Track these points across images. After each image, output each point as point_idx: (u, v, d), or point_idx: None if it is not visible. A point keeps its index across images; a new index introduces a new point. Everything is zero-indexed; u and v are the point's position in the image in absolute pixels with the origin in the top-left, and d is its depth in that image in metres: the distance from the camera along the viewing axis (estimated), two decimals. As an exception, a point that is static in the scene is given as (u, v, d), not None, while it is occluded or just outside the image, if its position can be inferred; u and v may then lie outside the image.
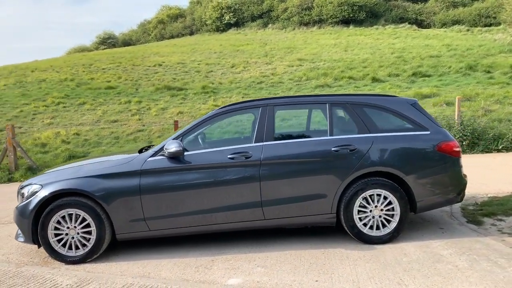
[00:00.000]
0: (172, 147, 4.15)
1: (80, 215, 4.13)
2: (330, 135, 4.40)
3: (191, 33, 43.54)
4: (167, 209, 4.19)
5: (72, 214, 4.13)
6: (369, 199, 4.27)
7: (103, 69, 23.24)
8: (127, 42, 49.40)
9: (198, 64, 23.17)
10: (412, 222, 4.97)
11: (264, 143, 4.31)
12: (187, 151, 4.31)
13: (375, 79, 17.17)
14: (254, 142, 4.33)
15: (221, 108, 4.62)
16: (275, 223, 4.33)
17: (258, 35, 34.40)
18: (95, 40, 49.52)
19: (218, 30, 39.51)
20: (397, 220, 4.29)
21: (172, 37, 44.74)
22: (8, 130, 9.98)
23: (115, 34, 50.76)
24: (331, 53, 23.94)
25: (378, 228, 4.30)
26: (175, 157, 4.21)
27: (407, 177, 4.27)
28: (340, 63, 20.71)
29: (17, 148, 9.95)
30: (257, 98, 4.88)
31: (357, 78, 17.72)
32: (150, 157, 4.26)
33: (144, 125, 13.36)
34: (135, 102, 15.85)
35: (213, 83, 18.67)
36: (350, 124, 4.53)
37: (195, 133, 4.49)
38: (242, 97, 16.09)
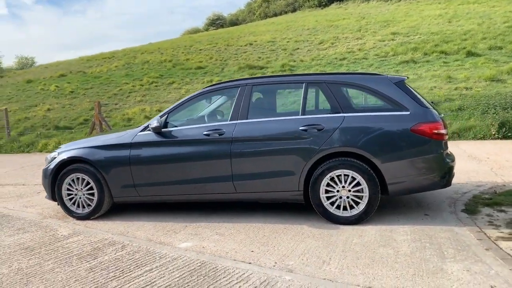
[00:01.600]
0: (153, 123, 4.66)
1: (85, 179, 4.90)
2: (301, 115, 4.45)
3: (294, 10, 43.52)
4: (152, 178, 4.74)
5: (79, 178, 4.93)
6: (337, 179, 4.27)
7: (200, 50, 24.79)
8: (234, 22, 51.38)
9: (287, 42, 23.34)
10: (405, 206, 4.80)
11: (238, 121, 4.56)
12: (175, 127, 4.77)
13: (470, 53, 15.56)
14: (229, 120, 4.61)
15: (204, 88, 4.96)
16: (246, 197, 4.59)
17: (358, 9, 33.00)
18: (205, 22, 52.54)
19: (320, 5, 38.86)
20: (366, 202, 4.22)
21: (275, 15, 45.27)
22: (96, 106, 11.58)
23: (224, 15, 53.08)
24: (431, 25, 22.08)
25: (345, 208, 4.29)
26: (158, 132, 4.71)
27: (375, 159, 4.16)
28: (436, 36, 19.08)
29: (102, 123, 11.51)
30: (238, 78, 5.09)
31: (450, 53, 16.24)
32: (139, 132, 4.83)
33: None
34: (216, 80, 16.79)
35: (294, 61, 18.77)
36: (324, 103, 4.52)
37: (181, 111, 4.91)
38: (318, 75, 15.96)
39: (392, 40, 20.11)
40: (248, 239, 4.01)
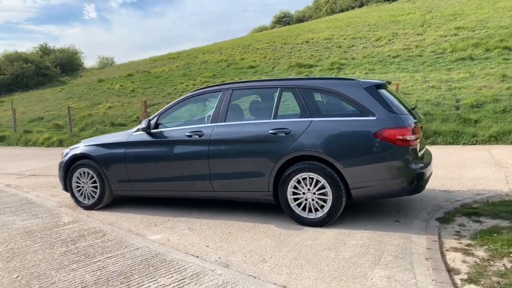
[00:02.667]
0: (143, 124, 5.11)
1: (90, 173, 5.50)
2: (273, 118, 4.63)
3: (361, 5, 42.36)
4: (143, 175, 5.20)
5: (85, 172, 5.54)
6: (303, 182, 4.40)
7: (257, 49, 25.25)
8: (300, 19, 51.21)
9: (344, 39, 22.97)
10: (382, 211, 4.78)
11: (216, 123, 4.85)
12: (166, 127, 5.19)
13: (537, 49, 14.27)
14: (209, 123, 4.92)
15: (192, 92, 5.31)
16: (223, 195, 4.88)
17: (427, 2, 31.33)
18: (272, 20, 52.99)
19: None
20: (329, 205, 4.31)
21: (342, 10, 44.41)
22: (142, 105, 12.49)
23: (290, 12, 53.13)
24: (502, 18, 20.50)
25: (311, 211, 4.41)
26: (149, 132, 5.15)
27: (338, 163, 4.22)
28: (505, 30, 17.70)
29: (146, 120, 12.38)
30: (222, 83, 5.35)
31: (514, 48, 15.02)
32: (134, 132, 5.31)
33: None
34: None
35: (346, 59, 18.49)
36: (295, 108, 4.64)
37: (170, 113, 5.30)
38: (366, 74, 15.65)
39: (455, 35, 18.97)
40: (212, 235, 4.30)
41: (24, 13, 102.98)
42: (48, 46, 36.54)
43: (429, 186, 5.71)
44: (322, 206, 4.35)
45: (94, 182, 5.49)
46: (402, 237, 3.95)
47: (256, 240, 4.11)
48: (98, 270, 3.53)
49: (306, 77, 5.54)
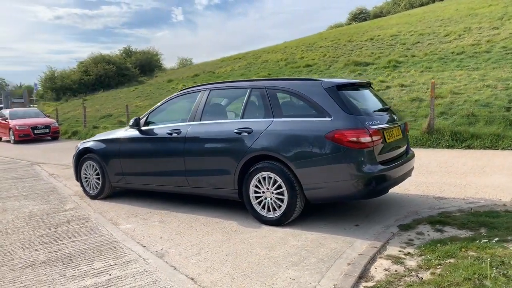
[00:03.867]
0: (131, 122, 5.52)
1: (94, 166, 6.07)
2: (240, 118, 4.75)
3: (442, -1, 39.69)
4: (133, 168, 5.62)
5: (91, 164, 6.12)
6: (263, 181, 4.47)
7: (320, 47, 24.97)
8: (377, 15, 49.35)
9: (411, 35, 21.85)
10: (350, 214, 4.67)
11: (192, 122, 5.10)
12: (155, 125, 5.55)
13: None
14: (188, 121, 5.17)
15: (177, 92, 5.59)
16: (197, 191, 5.10)
17: (515, -8, 28.47)
18: (348, 17, 51.76)
19: (472, -9, 34.69)
20: (285, 205, 4.33)
21: (422, 4, 42.03)
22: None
23: (367, 9, 51.47)
24: None
25: (270, 209, 4.46)
26: (139, 130, 5.54)
27: (292, 163, 4.23)
28: None
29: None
30: (203, 84, 5.53)
31: None
32: (128, 129, 5.74)
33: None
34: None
35: (406, 56, 17.64)
36: (260, 108, 4.71)
37: (160, 112, 5.63)
38: (421, 72, 14.83)
39: (536, 28, 17.11)
40: (174, 228, 4.56)
41: (120, 19, 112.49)
42: (131, 49, 39.56)
43: (426, 191, 5.45)
44: (279, 206, 4.39)
45: (97, 174, 6.03)
46: (345, 241, 3.86)
47: (208, 234, 4.28)
48: (54, 252, 3.97)
49: (276, 78, 5.53)
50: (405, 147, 4.89)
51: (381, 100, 5.03)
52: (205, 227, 4.52)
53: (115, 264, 3.58)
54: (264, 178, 4.45)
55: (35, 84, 35.38)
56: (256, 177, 4.50)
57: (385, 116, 4.53)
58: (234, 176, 4.65)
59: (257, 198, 4.54)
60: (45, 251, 3.98)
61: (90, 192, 6.18)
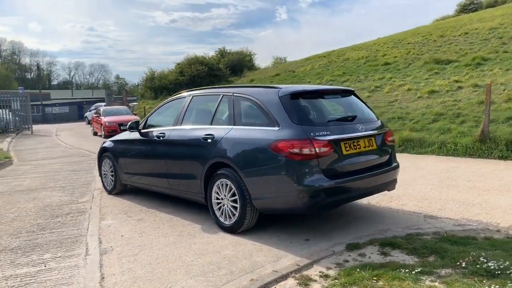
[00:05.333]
0: (129, 124, 5.94)
1: (109, 163, 6.65)
2: (209, 124, 4.83)
3: None
4: (134, 168, 6.03)
5: (107, 162, 6.71)
6: (221, 187, 4.51)
7: (408, 43, 23.48)
8: (491, 4, 44.38)
9: (512, 28, 19.39)
10: (314, 226, 4.48)
11: (174, 127, 5.32)
12: (152, 127, 5.89)
13: None
14: (172, 126, 5.40)
15: (170, 97, 5.83)
16: (176, 194, 5.31)
17: None
18: (456, 8, 47.41)
19: None
20: (237, 213, 4.33)
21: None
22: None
23: (480, -1, 46.58)
24: None
25: (227, 216, 4.49)
26: (139, 132, 5.92)
27: (241, 172, 4.21)
28: None
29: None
30: (189, 90, 5.64)
31: None
32: (135, 131, 6.15)
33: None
34: (387, 78, 16.05)
35: (497, 52, 15.77)
36: (226, 115, 4.72)
37: (157, 115, 5.93)
38: (506, 71, 13.16)
39: None
40: (143, 228, 4.82)
41: (228, 20, 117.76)
42: (225, 50, 41.29)
43: (423, 208, 5.03)
44: (234, 214, 4.39)
45: (112, 171, 6.60)
46: (276, 255, 3.74)
47: (163, 236, 4.46)
48: (29, 240, 4.51)
49: (246, 85, 5.38)
50: (380, 158, 4.50)
51: (356, 109, 4.69)
52: (169, 229, 4.71)
53: (59, 257, 3.96)
54: (222, 185, 4.48)
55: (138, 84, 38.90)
56: (216, 183, 4.55)
57: (346, 126, 4.23)
58: (201, 181, 4.75)
59: (218, 204, 4.58)
60: (23, 239, 4.54)
61: (107, 188, 6.78)
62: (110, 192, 6.68)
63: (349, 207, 5.24)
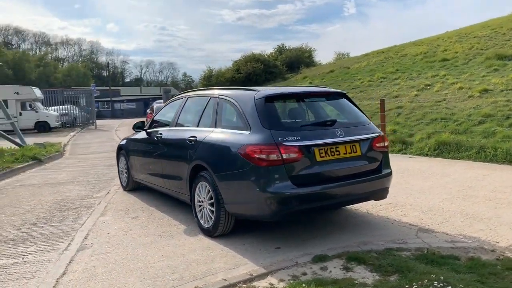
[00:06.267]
0: (133, 125, 6.11)
1: (124, 161, 6.90)
2: (196, 126, 4.82)
3: None
4: (140, 166, 6.21)
5: (122, 160, 6.97)
6: (202, 190, 4.49)
7: (474, 37, 21.87)
8: None
9: None
10: (293, 233, 4.32)
11: (170, 127, 5.38)
12: (156, 127, 6.01)
13: None
14: (169, 126, 5.47)
15: (172, 98, 5.89)
16: (171, 193, 5.37)
17: None
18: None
19: None
20: (214, 216, 4.29)
21: None
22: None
23: None
24: None
25: (206, 219, 4.46)
26: (146, 131, 6.07)
27: (215, 175, 4.16)
28: None
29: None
30: (186, 91, 5.63)
31: None
32: (142, 130, 6.32)
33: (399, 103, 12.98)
34: (441, 75, 15.03)
35: None
36: (210, 117, 4.67)
37: (159, 116, 6.03)
38: None
39: None
40: (132, 226, 4.93)
41: (294, 16, 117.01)
42: (284, 46, 41.22)
43: (422, 220, 4.70)
44: (211, 217, 4.35)
45: (126, 168, 6.85)
46: (235, 263, 3.64)
47: (144, 236, 4.53)
48: (26, 232, 4.82)
49: (229, 87, 5.19)
50: (366, 165, 4.21)
51: (344, 113, 4.43)
52: (155, 228, 4.78)
53: (40, 251, 4.18)
54: (203, 188, 4.46)
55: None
56: (198, 185, 4.54)
57: (322, 131, 4.00)
58: (186, 182, 4.76)
59: (200, 206, 4.57)
60: (22, 231, 4.86)
61: (122, 184, 7.06)
62: (124, 189, 6.93)
63: (343, 214, 4.98)
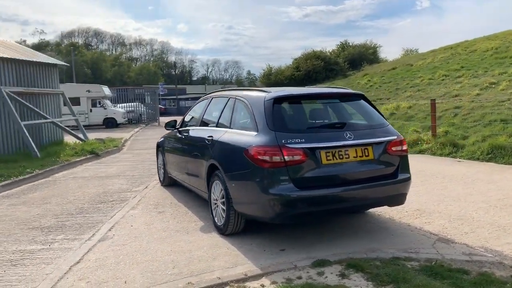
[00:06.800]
0: (165, 124, 6.36)
1: (162, 158, 7.21)
2: (215, 126, 4.93)
3: None
4: (171, 163, 6.47)
5: (160, 156, 7.29)
6: (216, 188, 4.60)
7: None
8: None
9: None
10: (294, 237, 4.30)
11: (196, 127, 5.55)
12: (185, 126, 6.20)
13: None
14: (195, 125, 5.64)
15: (202, 97, 6.03)
16: (194, 190, 5.54)
17: None
18: None
19: None
20: (225, 215, 4.37)
21: None
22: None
23: None
24: None
25: (219, 217, 4.56)
26: (177, 130, 6.30)
27: (225, 175, 4.24)
28: None
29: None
30: (212, 91, 5.71)
31: None
32: (174, 129, 6.57)
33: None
34: (509, 73, 13.88)
35: None
36: (227, 118, 4.74)
37: (189, 115, 6.19)
38: None
39: None
40: (156, 220, 5.15)
41: (362, 11, 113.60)
42: (347, 43, 40.25)
43: (447, 229, 4.47)
44: (223, 216, 4.44)
45: (163, 165, 7.16)
46: (236, 262, 3.69)
47: (162, 230, 4.72)
48: (61, 221, 5.24)
49: (244, 87, 5.12)
50: (380, 169, 4.05)
51: (359, 114, 4.29)
52: (175, 224, 4.96)
53: (67, 239, 4.53)
54: (217, 186, 4.56)
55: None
56: (213, 184, 4.65)
57: (330, 133, 3.90)
58: (205, 180, 4.89)
59: (215, 204, 4.68)
60: (59, 220, 5.29)
61: (160, 179, 7.39)
62: (161, 184, 7.25)
63: (363, 219, 4.83)
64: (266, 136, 3.82)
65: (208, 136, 4.78)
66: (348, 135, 3.91)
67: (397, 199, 4.18)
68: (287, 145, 3.71)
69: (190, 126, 5.93)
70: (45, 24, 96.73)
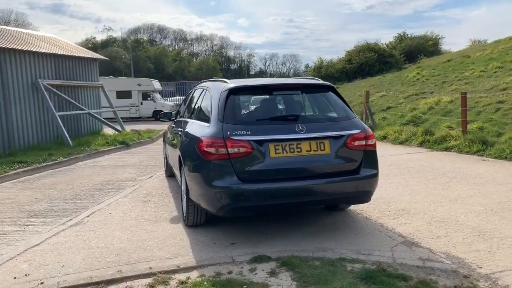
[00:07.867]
0: (159, 115, 6.44)
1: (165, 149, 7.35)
2: (189, 118, 4.91)
3: None
4: (169, 156, 6.56)
5: (164, 146, 7.43)
6: (182, 179, 4.59)
7: None
8: None
9: None
10: (252, 231, 4.19)
11: (184, 118, 5.56)
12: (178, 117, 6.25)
13: None
14: (181, 117, 5.66)
15: (193, 88, 6.02)
16: (178, 181, 5.57)
17: None
18: None
19: None
20: (185, 206, 4.37)
21: None
22: (365, 95, 12.55)
23: None
24: None
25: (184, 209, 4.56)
26: (172, 120, 6.37)
27: (184, 166, 4.23)
28: None
29: (366, 111, 12.40)
30: (202, 81, 5.63)
31: None
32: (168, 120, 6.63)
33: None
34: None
35: None
36: (197, 108, 4.70)
37: (182, 106, 6.21)
38: None
39: None
40: (136, 209, 5.27)
41: (431, 1, 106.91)
42: (405, 35, 38.36)
43: (421, 233, 4.17)
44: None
45: (166, 157, 7.29)
46: (177, 254, 3.67)
47: (134, 219, 4.80)
48: (54, 206, 5.51)
49: (220, 79, 4.92)
50: (338, 165, 3.80)
51: (319, 106, 4.07)
52: (150, 214, 5.02)
53: (44, 223, 4.76)
54: (183, 177, 4.55)
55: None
56: (182, 175, 4.64)
57: (280, 126, 3.73)
58: (179, 171, 4.90)
59: (183, 195, 4.66)
60: (51, 205, 5.57)
61: (164, 169, 7.53)
62: (165, 174, 7.39)
63: (339, 217, 4.58)
64: (214, 128, 3.73)
65: (179, 128, 4.78)
66: (300, 127, 3.71)
67: (359, 197, 3.92)
68: (232, 137, 3.60)
69: (179, 117, 5.97)
70: (115, 21, 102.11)
